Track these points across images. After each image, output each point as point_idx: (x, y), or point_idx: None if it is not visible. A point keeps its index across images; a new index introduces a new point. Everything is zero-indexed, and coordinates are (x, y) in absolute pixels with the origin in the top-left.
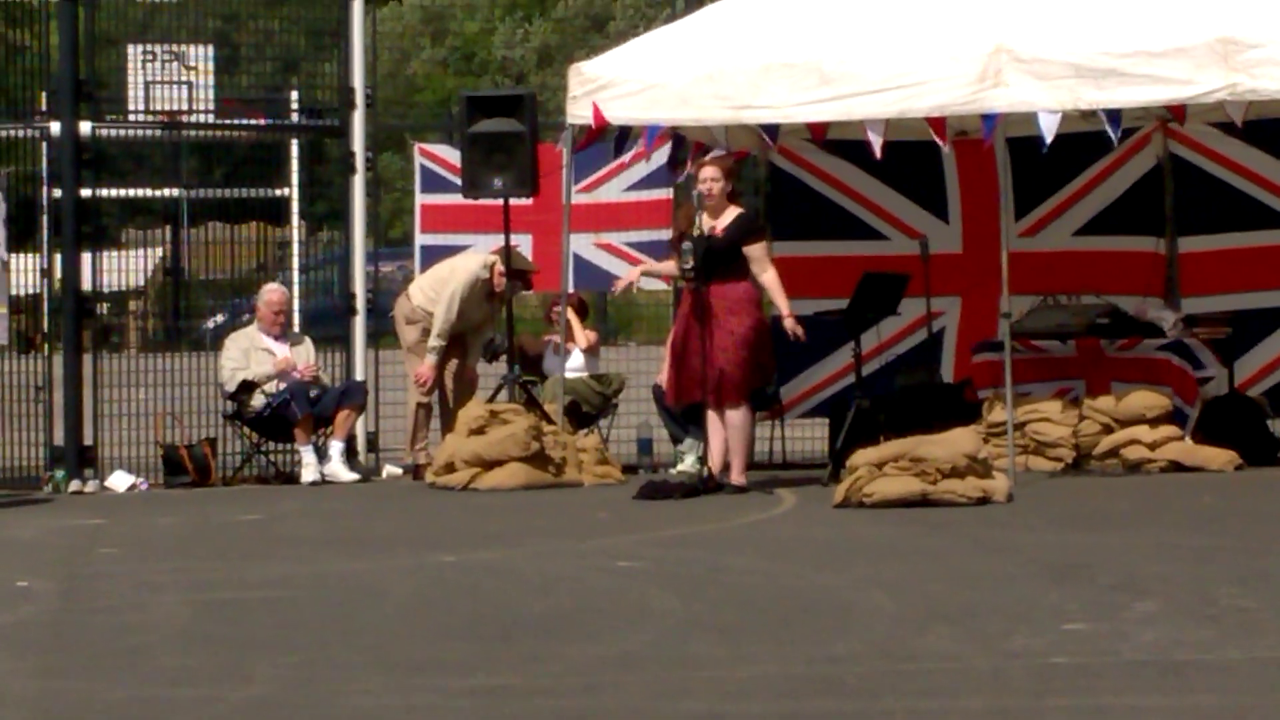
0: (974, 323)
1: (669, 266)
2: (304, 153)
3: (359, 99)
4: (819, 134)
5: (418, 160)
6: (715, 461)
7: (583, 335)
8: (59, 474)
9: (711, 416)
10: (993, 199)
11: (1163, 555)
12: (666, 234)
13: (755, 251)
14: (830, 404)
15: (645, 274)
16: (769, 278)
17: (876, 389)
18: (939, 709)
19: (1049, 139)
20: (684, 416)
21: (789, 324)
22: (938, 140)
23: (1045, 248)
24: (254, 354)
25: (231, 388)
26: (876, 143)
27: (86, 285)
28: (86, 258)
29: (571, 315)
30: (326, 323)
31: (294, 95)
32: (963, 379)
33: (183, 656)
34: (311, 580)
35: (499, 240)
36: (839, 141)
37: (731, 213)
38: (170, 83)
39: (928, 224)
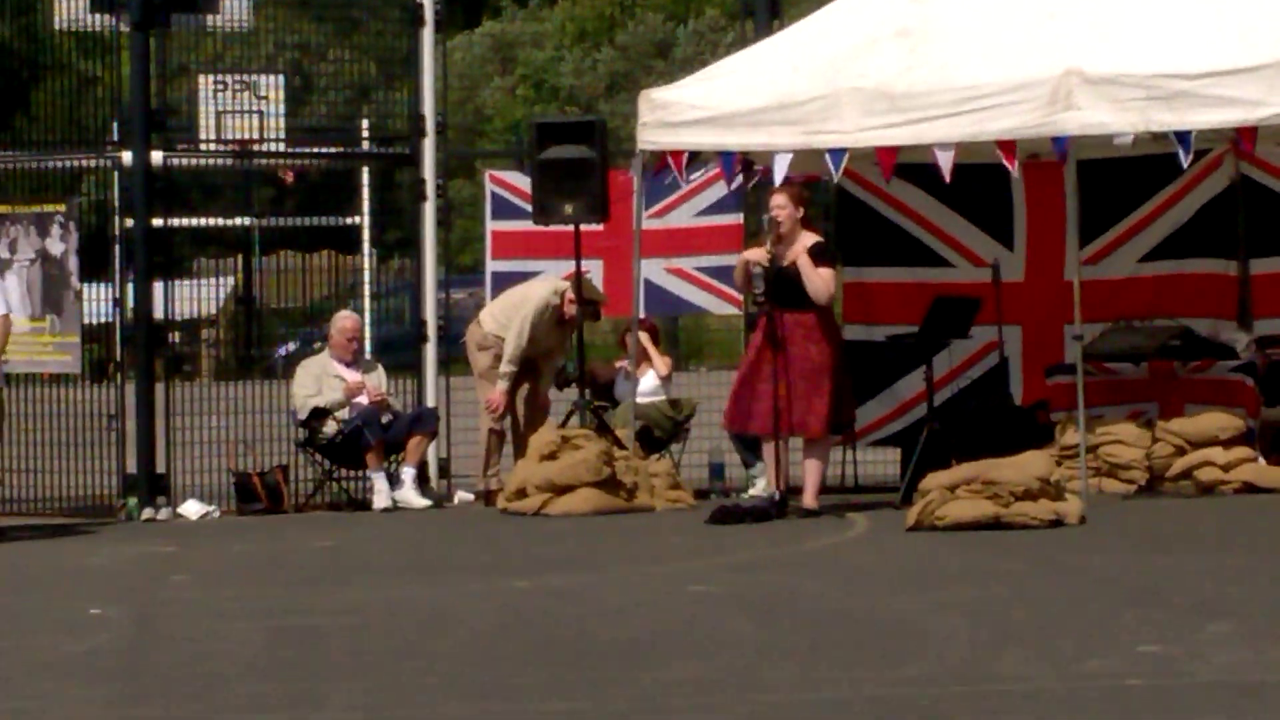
0: (1035, 353)
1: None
2: (375, 181)
3: (430, 127)
4: (888, 169)
5: (488, 187)
6: (777, 481)
7: (660, 361)
8: (132, 502)
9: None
10: (1058, 226)
11: (1237, 577)
12: (737, 259)
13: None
14: (903, 433)
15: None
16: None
17: (948, 416)
18: None
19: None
20: (755, 441)
21: None
22: (1007, 165)
23: (1109, 275)
24: (326, 381)
25: (304, 415)
26: (946, 166)
27: (159, 314)
28: (159, 287)
29: (646, 340)
30: (398, 350)
31: (365, 124)
32: (1036, 401)
33: (256, 683)
34: (384, 607)
35: (569, 266)
36: (907, 165)
37: (806, 239)
38: (242, 112)
39: (994, 252)
